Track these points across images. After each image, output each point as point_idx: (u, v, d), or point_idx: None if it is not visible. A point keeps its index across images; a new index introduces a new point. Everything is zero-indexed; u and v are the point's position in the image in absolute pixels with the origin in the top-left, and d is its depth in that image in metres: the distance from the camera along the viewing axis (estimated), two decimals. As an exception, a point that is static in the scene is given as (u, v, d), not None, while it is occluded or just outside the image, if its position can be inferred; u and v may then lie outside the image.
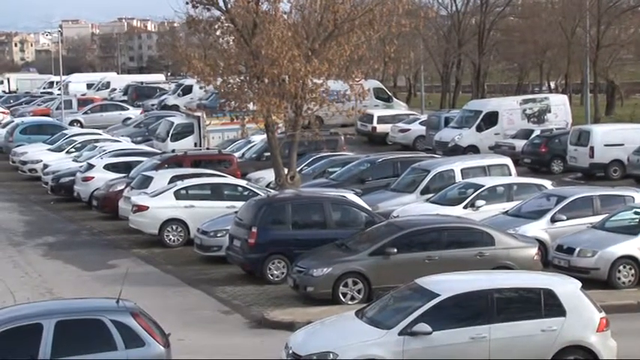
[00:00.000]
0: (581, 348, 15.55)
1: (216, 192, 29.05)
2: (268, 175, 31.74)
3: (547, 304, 15.67)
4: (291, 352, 15.23)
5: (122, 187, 32.00)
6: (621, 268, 22.52)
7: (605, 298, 21.23)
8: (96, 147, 40.76)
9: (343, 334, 15.60)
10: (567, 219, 24.89)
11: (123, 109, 64.24)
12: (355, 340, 15.23)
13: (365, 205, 25.77)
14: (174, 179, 30.23)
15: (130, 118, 58.78)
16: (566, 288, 16.13)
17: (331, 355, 14.81)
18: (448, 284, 16.22)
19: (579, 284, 16.25)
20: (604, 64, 63.19)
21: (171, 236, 28.18)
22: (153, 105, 69.49)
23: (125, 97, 75.68)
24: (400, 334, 14.98)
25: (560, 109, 48.72)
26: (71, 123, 57.03)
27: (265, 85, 26.86)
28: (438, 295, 15.50)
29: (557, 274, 17.94)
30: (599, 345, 15.55)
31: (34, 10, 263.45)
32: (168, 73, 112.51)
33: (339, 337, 15.50)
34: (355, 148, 45.08)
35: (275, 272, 22.95)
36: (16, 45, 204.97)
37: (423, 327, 14.94)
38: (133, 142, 45.32)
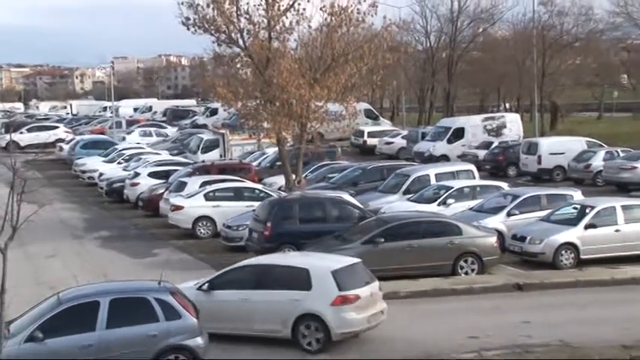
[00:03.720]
0: (314, 316, 15.69)
1: (238, 194, 29.03)
2: (280, 180, 31.75)
3: (300, 280, 16.04)
4: None
5: (162, 190, 32.02)
6: (563, 252, 22.57)
7: (550, 276, 21.34)
8: (141, 159, 40.76)
9: None
10: (520, 213, 24.94)
11: (162, 128, 64.23)
12: None
13: (358, 203, 25.76)
14: (204, 184, 30.24)
15: (167, 135, 58.72)
16: (319, 269, 16.27)
17: None
18: (253, 261, 17.79)
19: (333, 268, 16.17)
20: (548, 88, 63.36)
21: (202, 230, 28.18)
22: (186, 124, 69.52)
23: (164, 118, 75.71)
24: (198, 289, 16.54)
25: (513, 125, 48.87)
26: (121, 139, 57.05)
27: (277, 107, 26.87)
28: (243, 267, 17.27)
29: (336, 256, 18.14)
30: (330, 316, 15.61)
31: (91, 49, 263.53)
32: (199, 99, 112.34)
33: None
34: (350, 158, 45.08)
35: (286, 258, 22.97)
36: (76, 77, 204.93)
37: (205, 286, 16.59)
38: (170, 154, 45.34)
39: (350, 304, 15.70)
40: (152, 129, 61.33)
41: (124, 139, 56.66)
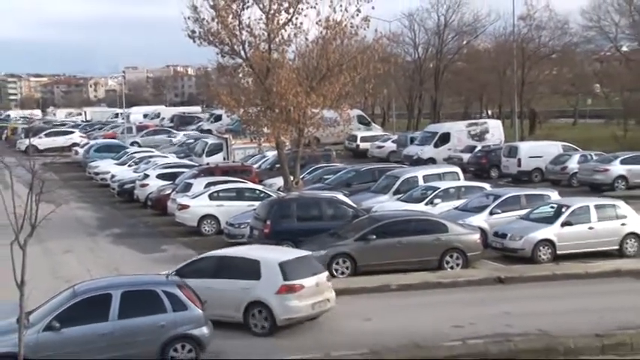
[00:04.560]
0: (262, 303, 16.09)
1: (240, 194, 29.02)
2: (279, 181, 31.74)
3: (252, 270, 16.37)
4: None
5: (170, 191, 31.98)
6: (541, 248, 22.60)
7: (529, 270, 21.36)
8: (150, 161, 40.70)
9: None
10: (502, 212, 24.95)
11: (170, 133, 64.19)
12: None
13: (351, 203, 25.76)
14: (208, 185, 30.21)
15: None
16: (268, 260, 16.59)
17: None
18: (214, 253, 18.17)
19: (281, 260, 16.53)
20: (527, 96, 63.56)
21: (206, 227, 28.17)
22: (192, 130, 69.38)
23: (171, 124, 75.58)
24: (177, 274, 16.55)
25: (495, 130, 48.95)
26: (132, 144, 57.01)
27: (276, 114, 26.84)
28: (205, 258, 17.69)
29: (289, 249, 18.62)
30: (274, 303, 16.01)
31: (104, 60, 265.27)
32: (204, 106, 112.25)
33: None
34: (344, 161, 45.09)
35: (284, 254, 22.91)
36: (90, 86, 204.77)
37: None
38: (177, 157, 45.30)
39: (294, 292, 16.06)
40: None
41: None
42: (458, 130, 48.32)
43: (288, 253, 17.52)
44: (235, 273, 16.53)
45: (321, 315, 16.83)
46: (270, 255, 17.09)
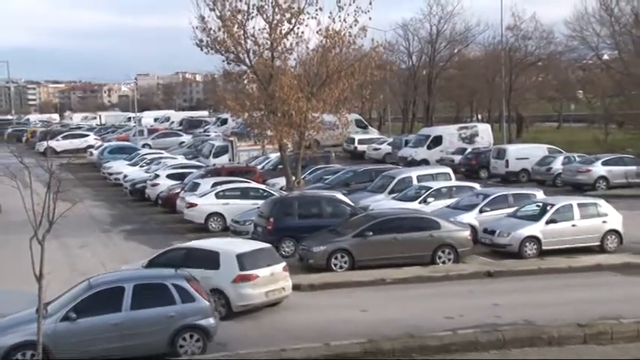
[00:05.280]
0: (220, 291, 16.42)
1: (245, 193, 28.99)
2: (281, 181, 31.75)
3: (212, 261, 16.79)
4: None
5: (179, 190, 31.98)
6: (527, 244, 22.59)
7: (516, 265, 21.38)
8: (160, 162, 40.68)
9: None
10: (491, 210, 24.94)
11: (179, 135, 64.14)
12: None
13: (349, 201, 25.77)
14: (215, 184, 30.19)
15: (183, 142, 58.67)
16: (227, 252, 16.96)
17: None
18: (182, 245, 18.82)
19: (238, 251, 16.92)
20: (515, 102, 63.49)
21: (213, 225, 28.13)
22: (200, 133, 69.25)
23: (180, 127, 75.47)
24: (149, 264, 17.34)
25: (485, 133, 48.89)
26: (143, 146, 56.88)
27: (278, 118, 26.86)
28: (174, 249, 18.22)
29: (250, 242, 18.81)
30: (230, 290, 16.50)
31: (117, 67, 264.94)
32: (211, 110, 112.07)
33: None
34: (342, 162, 45.06)
35: (286, 250, 22.90)
36: (105, 92, 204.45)
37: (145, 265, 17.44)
38: (185, 158, 45.27)
39: (248, 281, 16.44)
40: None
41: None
42: (449, 133, 48.28)
43: (247, 245, 17.80)
44: (199, 263, 16.81)
45: (278, 302, 17.20)
46: (230, 247, 17.40)
